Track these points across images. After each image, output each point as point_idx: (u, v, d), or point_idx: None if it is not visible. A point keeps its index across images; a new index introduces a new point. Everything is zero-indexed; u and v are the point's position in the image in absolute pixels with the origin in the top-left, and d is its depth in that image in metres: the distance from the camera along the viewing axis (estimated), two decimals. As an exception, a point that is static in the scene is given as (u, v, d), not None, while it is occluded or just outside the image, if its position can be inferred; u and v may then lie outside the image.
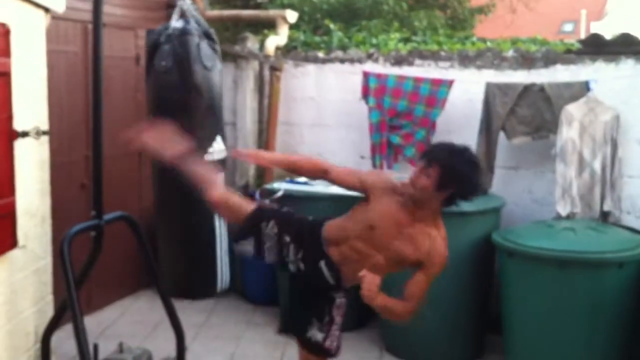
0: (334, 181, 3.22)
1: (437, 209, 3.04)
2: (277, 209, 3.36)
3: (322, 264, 3.12)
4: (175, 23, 3.51)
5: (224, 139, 3.66)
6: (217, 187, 3.24)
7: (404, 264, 3.10)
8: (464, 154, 3.00)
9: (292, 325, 3.55)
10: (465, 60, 5.55)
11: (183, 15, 3.54)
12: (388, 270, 3.16)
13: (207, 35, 3.62)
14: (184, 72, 3.47)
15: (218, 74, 3.61)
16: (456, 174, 2.92)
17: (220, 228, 4.05)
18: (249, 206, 3.27)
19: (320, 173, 3.25)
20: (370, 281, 2.91)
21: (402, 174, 5.54)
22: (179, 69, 3.48)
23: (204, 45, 3.57)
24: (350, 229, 3.10)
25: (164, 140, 3.31)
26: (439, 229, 3.07)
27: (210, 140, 3.59)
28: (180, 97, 3.49)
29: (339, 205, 5.09)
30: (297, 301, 3.38)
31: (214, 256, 3.81)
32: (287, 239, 3.16)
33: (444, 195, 2.97)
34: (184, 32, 3.50)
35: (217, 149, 3.64)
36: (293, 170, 3.42)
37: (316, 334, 3.24)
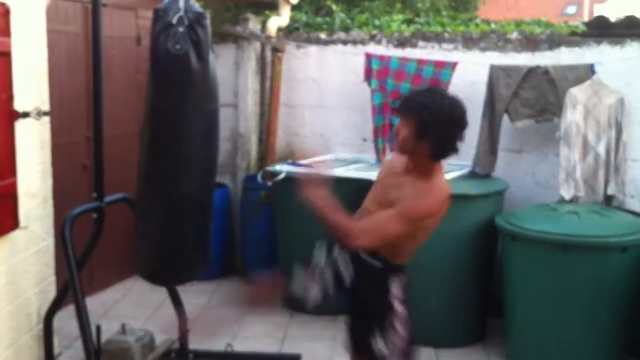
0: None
1: (428, 163, 2.79)
2: None
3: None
4: (188, 6, 3.46)
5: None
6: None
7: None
8: (440, 96, 2.78)
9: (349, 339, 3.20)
10: (469, 43, 5.51)
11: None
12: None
13: (203, 18, 3.59)
14: (203, 58, 3.44)
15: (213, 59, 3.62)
16: (436, 118, 2.68)
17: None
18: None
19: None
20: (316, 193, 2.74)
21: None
22: (197, 54, 3.44)
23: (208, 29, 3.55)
24: (367, 207, 2.99)
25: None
26: (430, 183, 2.81)
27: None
28: (199, 83, 3.45)
29: (344, 188, 5.10)
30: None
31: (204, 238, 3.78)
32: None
33: (427, 143, 2.72)
34: (201, 16, 3.47)
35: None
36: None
37: (380, 345, 2.95)
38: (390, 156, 2.98)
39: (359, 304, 3.06)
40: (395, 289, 2.95)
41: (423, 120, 2.69)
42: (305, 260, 3.09)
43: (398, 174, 2.92)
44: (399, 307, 2.95)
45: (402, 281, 2.98)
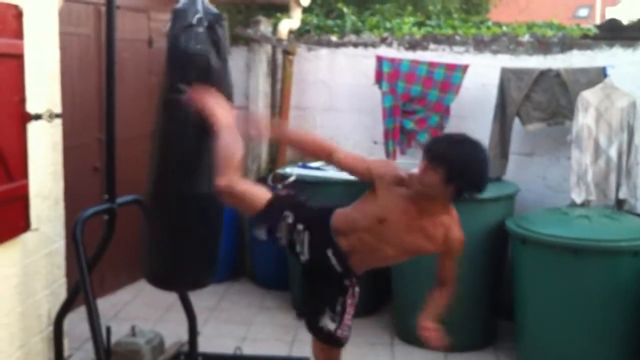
0: (339, 164, 3.10)
1: (446, 200, 2.98)
2: (292, 197, 3.30)
3: (330, 252, 3.08)
4: (207, 7, 3.49)
5: None
6: (232, 174, 3.06)
7: (421, 254, 3.10)
8: (466, 145, 2.91)
9: (304, 314, 3.51)
10: (480, 45, 5.50)
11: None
12: (400, 259, 3.17)
13: (221, 21, 3.62)
14: (222, 60, 3.46)
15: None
16: (464, 167, 2.84)
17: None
18: (263, 196, 3.13)
19: (325, 154, 3.14)
20: (434, 336, 3.13)
21: (411, 160, 5.55)
22: (217, 55, 3.46)
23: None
24: (358, 222, 3.04)
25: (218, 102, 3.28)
26: (451, 214, 3.03)
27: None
28: (217, 84, 3.46)
29: (353, 190, 5.08)
30: (308, 290, 3.36)
31: (215, 244, 3.75)
32: (300, 227, 3.12)
33: (453, 188, 2.87)
34: (219, 17, 3.49)
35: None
36: (300, 147, 3.37)
37: (328, 323, 3.21)
38: (386, 173, 3.03)
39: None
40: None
41: (449, 169, 2.82)
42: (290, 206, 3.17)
43: (410, 217, 2.98)
44: None
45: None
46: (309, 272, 3.24)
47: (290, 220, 3.11)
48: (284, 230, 3.13)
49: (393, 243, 3.02)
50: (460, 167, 2.83)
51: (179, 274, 3.74)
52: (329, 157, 3.13)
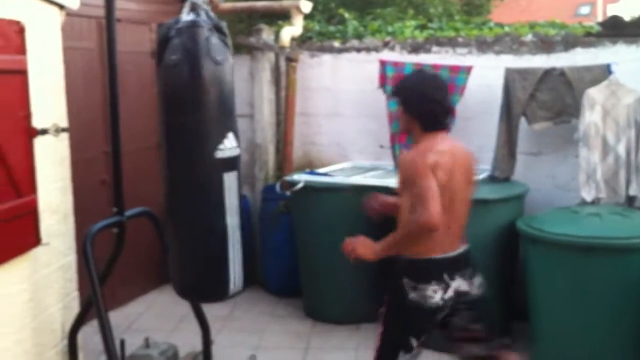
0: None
1: (421, 135, 3.14)
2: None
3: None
4: (186, 16, 3.46)
5: (236, 135, 3.58)
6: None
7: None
8: (414, 75, 3.32)
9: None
10: (483, 46, 5.49)
11: (194, 8, 3.49)
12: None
13: (217, 29, 3.55)
14: (193, 66, 3.41)
15: (229, 68, 3.54)
16: (405, 92, 3.17)
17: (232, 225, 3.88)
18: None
19: None
20: (360, 244, 3.08)
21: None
22: (188, 63, 3.42)
23: (214, 39, 3.50)
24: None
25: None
26: (414, 149, 3.15)
27: (221, 137, 3.52)
28: (189, 92, 3.42)
29: (360, 195, 5.08)
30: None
31: (225, 256, 3.67)
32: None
33: (417, 116, 3.11)
34: (192, 25, 3.44)
35: (229, 146, 3.56)
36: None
37: None
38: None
39: None
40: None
41: (403, 99, 3.18)
42: None
43: None
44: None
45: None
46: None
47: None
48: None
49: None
50: (407, 95, 3.16)
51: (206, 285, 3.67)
52: None
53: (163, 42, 3.48)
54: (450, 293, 3.07)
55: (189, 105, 3.44)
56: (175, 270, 3.67)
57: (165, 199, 3.58)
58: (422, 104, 3.11)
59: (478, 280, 3.22)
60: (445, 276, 3.06)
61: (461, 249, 3.17)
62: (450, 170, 3.04)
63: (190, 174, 3.46)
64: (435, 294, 3.03)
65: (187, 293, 3.71)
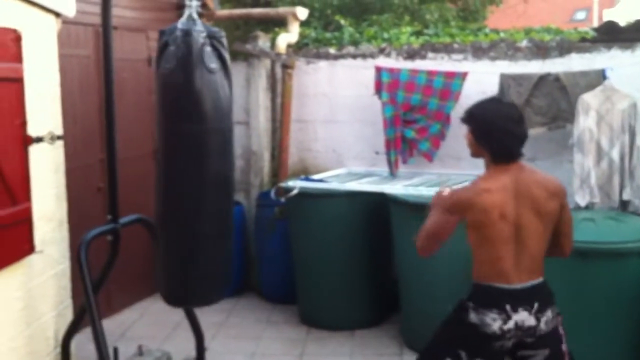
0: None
1: (491, 164, 3.02)
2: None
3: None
4: (181, 25, 3.48)
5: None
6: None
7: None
8: (491, 103, 3.07)
9: None
10: (478, 52, 5.51)
11: (191, 16, 3.51)
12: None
13: (213, 37, 3.56)
14: (187, 75, 3.42)
15: (224, 77, 3.55)
16: (486, 123, 2.96)
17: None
18: None
19: None
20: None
21: (412, 169, 5.55)
22: (182, 71, 3.44)
23: (208, 47, 3.51)
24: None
25: None
26: (476, 181, 3.07)
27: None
28: (183, 100, 3.43)
29: (355, 202, 5.08)
30: None
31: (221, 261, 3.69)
32: None
33: (487, 146, 2.97)
34: (186, 33, 3.46)
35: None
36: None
37: None
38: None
39: None
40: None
41: (473, 127, 3.00)
42: None
43: None
44: None
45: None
46: None
47: None
48: None
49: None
50: (483, 123, 2.97)
51: (191, 291, 3.69)
52: None
53: (161, 50, 3.49)
54: (510, 325, 2.93)
55: (184, 113, 3.46)
56: (162, 276, 3.68)
57: (156, 205, 3.59)
58: (492, 135, 2.95)
59: (548, 316, 3.07)
60: (508, 307, 2.94)
61: (531, 282, 3.05)
62: (503, 207, 2.93)
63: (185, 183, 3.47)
64: (494, 322, 2.92)
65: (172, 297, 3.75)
